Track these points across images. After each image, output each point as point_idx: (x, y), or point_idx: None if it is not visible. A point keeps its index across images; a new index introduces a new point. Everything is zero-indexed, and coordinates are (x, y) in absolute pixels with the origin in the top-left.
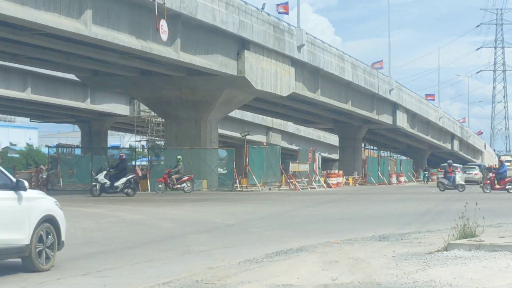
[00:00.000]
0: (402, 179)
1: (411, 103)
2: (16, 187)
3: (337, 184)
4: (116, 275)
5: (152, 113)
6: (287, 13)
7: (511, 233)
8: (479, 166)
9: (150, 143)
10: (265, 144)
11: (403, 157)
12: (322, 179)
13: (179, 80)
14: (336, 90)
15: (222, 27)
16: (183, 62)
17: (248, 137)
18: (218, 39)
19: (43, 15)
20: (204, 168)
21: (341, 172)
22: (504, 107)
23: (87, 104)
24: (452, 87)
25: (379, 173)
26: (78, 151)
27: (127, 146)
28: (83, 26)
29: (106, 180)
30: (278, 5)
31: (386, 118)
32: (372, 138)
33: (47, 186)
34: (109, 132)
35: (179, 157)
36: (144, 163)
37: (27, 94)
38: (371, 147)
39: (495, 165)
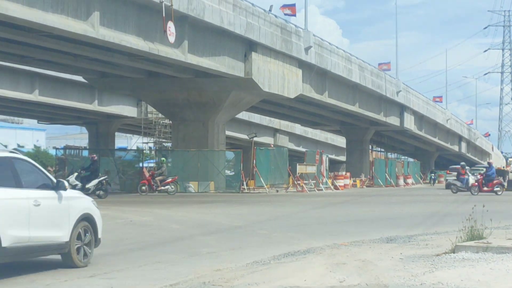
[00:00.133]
0: (410, 181)
1: (419, 105)
2: (57, 187)
3: (345, 186)
4: (123, 277)
5: (160, 115)
6: (294, 15)
7: None
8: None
9: (157, 145)
10: (272, 146)
11: (411, 159)
12: (329, 181)
13: (186, 82)
14: (344, 92)
15: (230, 29)
16: (191, 64)
17: (255, 139)
18: (226, 41)
19: (50, 17)
20: (211, 170)
21: (348, 174)
22: None
23: (94, 106)
24: (460, 89)
25: (386, 175)
26: (85, 153)
27: (134, 147)
28: (91, 28)
29: (77, 182)
30: (283, 6)
31: (394, 120)
32: (380, 140)
33: None
34: (116, 134)
35: (162, 159)
36: (152, 165)
37: (35, 96)
38: (379, 149)
39: (503, 167)
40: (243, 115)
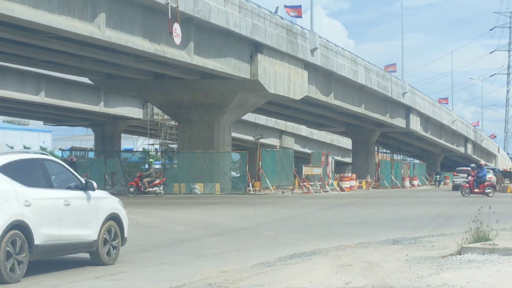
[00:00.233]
0: (416, 182)
1: (424, 107)
2: (86, 187)
3: (350, 187)
4: (129, 278)
5: (166, 116)
6: (300, 17)
7: None
8: (493, 169)
9: (163, 147)
10: (278, 147)
11: (417, 161)
12: (335, 183)
13: (192, 84)
14: (349, 93)
15: (235, 31)
16: (196, 65)
17: (261, 140)
18: (231, 42)
19: (56, 18)
20: (217, 172)
21: (354, 175)
22: None
23: (100, 107)
24: (465, 90)
25: (392, 176)
26: (91, 154)
27: (140, 149)
28: (97, 29)
29: None
30: (289, 7)
31: (399, 122)
32: (385, 142)
33: None
34: (122, 135)
35: (151, 160)
36: (158, 166)
37: (41, 98)
38: (384, 150)
39: (510, 169)
40: (249, 117)
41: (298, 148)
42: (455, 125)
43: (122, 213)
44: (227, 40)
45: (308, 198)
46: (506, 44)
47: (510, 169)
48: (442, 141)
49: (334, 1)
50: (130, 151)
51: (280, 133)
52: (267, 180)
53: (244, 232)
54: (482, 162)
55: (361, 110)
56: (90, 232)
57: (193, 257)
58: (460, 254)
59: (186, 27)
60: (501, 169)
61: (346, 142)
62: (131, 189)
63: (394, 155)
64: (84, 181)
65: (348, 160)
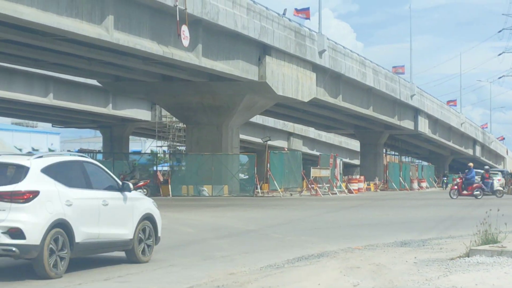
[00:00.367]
0: (424, 184)
1: (433, 109)
2: (122, 188)
3: (359, 189)
4: (137, 280)
5: (174, 119)
6: (308, 19)
7: None
8: (502, 171)
9: (171, 149)
10: (286, 149)
11: (425, 163)
12: (343, 185)
13: (200, 86)
14: (358, 95)
15: (244, 33)
16: (205, 67)
17: (269, 142)
18: (239, 44)
19: (65, 20)
20: (225, 174)
21: (362, 177)
22: None
23: (108, 110)
24: (474, 92)
25: (400, 178)
26: (99, 157)
27: (148, 151)
28: (105, 31)
29: None
30: (297, 10)
31: (408, 124)
32: (394, 144)
33: None
34: (130, 137)
35: (135, 162)
36: (166, 168)
37: (49, 100)
38: (393, 152)
39: None
40: (257, 119)
41: (306, 150)
42: (464, 127)
43: (156, 214)
44: (235, 42)
45: (316, 200)
46: None
47: None
48: (450, 143)
49: (342, 3)
50: (138, 153)
51: (288, 135)
52: (275, 182)
53: (252, 234)
54: (471, 164)
55: (369, 112)
56: (126, 231)
57: (201, 259)
58: (468, 256)
59: (194, 29)
60: (509, 171)
61: (354, 144)
62: None
63: (402, 157)
64: (120, 183)
65: (356, 162)
